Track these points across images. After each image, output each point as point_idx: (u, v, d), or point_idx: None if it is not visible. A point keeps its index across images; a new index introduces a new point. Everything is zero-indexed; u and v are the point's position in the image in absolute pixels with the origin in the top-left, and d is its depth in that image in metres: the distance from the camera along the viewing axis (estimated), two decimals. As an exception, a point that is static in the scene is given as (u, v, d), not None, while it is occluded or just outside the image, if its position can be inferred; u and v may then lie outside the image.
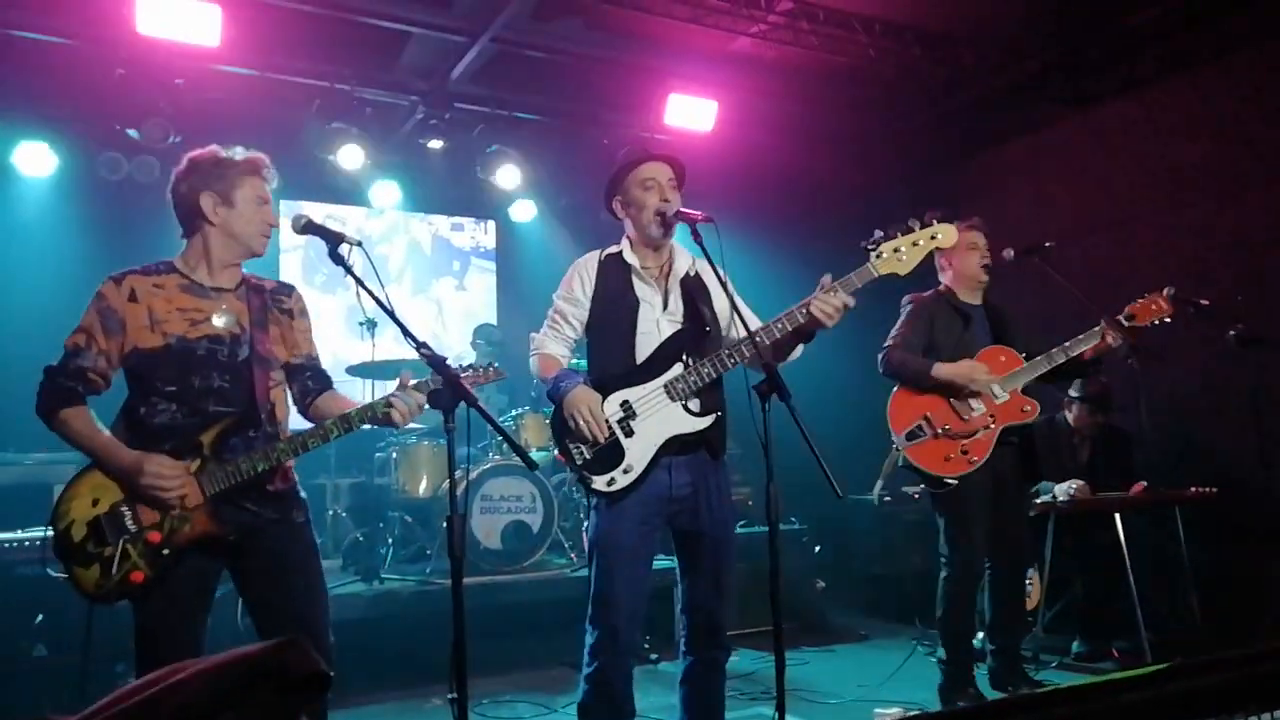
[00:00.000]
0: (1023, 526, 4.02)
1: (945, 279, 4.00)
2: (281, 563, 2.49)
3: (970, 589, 3.83)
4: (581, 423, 2.71)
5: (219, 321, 2.50)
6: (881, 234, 2.63)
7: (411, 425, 2.74)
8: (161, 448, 2.39)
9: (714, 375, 2.76)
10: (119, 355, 2.45)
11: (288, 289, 2.75)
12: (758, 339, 2.61)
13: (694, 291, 2.94)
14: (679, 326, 2.87)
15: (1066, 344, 3.71)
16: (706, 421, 2.79)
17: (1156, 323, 3.64)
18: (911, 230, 2.64)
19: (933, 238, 2.61)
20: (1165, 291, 4.01)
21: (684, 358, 2.80)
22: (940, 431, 3.71)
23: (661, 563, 3.05)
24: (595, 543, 2.82)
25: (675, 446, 2.78)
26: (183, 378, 2.44)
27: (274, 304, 2.66)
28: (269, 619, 2.48)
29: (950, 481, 3.73)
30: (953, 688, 3.83)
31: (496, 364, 2.79)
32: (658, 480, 2.78)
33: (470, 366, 2.70)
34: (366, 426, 2.55)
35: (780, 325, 2.70)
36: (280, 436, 2.55)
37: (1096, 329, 3.67)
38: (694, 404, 2.79)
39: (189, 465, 2.40)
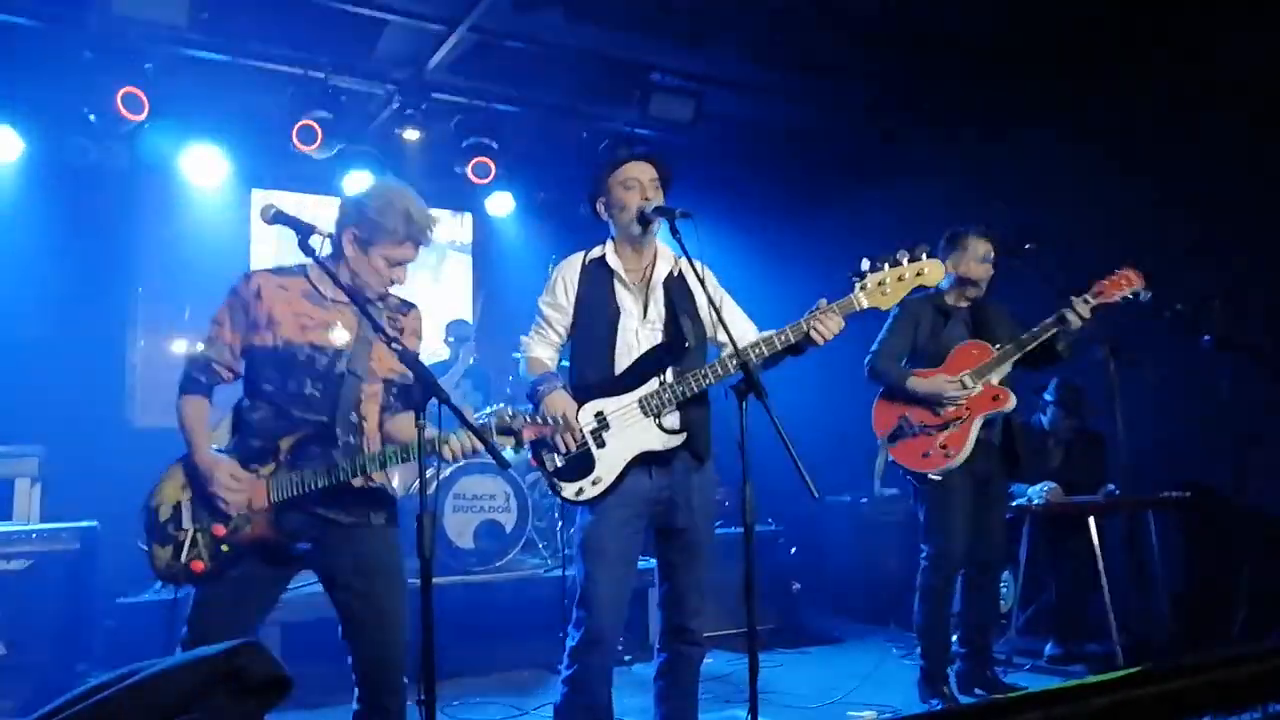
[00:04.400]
0: (1001, 528, 4.04)
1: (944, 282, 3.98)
2: (352, 566, 2.51)
3: (946, 584, 3.85)
4: (558, 425, 2.67)
5: (337, 336, 2.56)
6: (869, 264, 2.63)
7: None
8: (251, 444, 2.50)
9: (689, 394, 2.75)
10: (241, 349, 2.55)
11: (407, 307, 2.75)
12: (747, 356, 2.58)
13: (676, 298, 2.92)
14: (658, 337, 2.86)
15: (1028, 336, 3.75)
16: (677, 440, 2.79)
17: (1129, 296, 3.66)
18: (899, 264, 2.64)
19: (919, 274, 2.62)
20: (1142, 296, 4.03)
21: (660, 374, 2.80)
22: (919, 428, 3.77)
23: (640, 564, 3.03)
24: (581, 546, 2.80)
25: (647, 460, 2.77)
26: (280, 380, 2.52)
27: (389, 319, 2.67)
28: (346, 623, 2.53)
29: (934, 477, 3.76)
30: (927, 684, 3.85)
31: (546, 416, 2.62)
32: (639, 483, 2.77)
33: (529, 417, 2.55)
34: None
35: (770, 344, 2.71)
36: (365, 449, 2.57)
37: (1055, 315, 3.71)
38: (670, 420, 2.78)
39: (262, 470, 2.47)
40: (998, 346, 3.80)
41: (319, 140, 5.56)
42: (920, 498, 3.88)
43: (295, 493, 2.46)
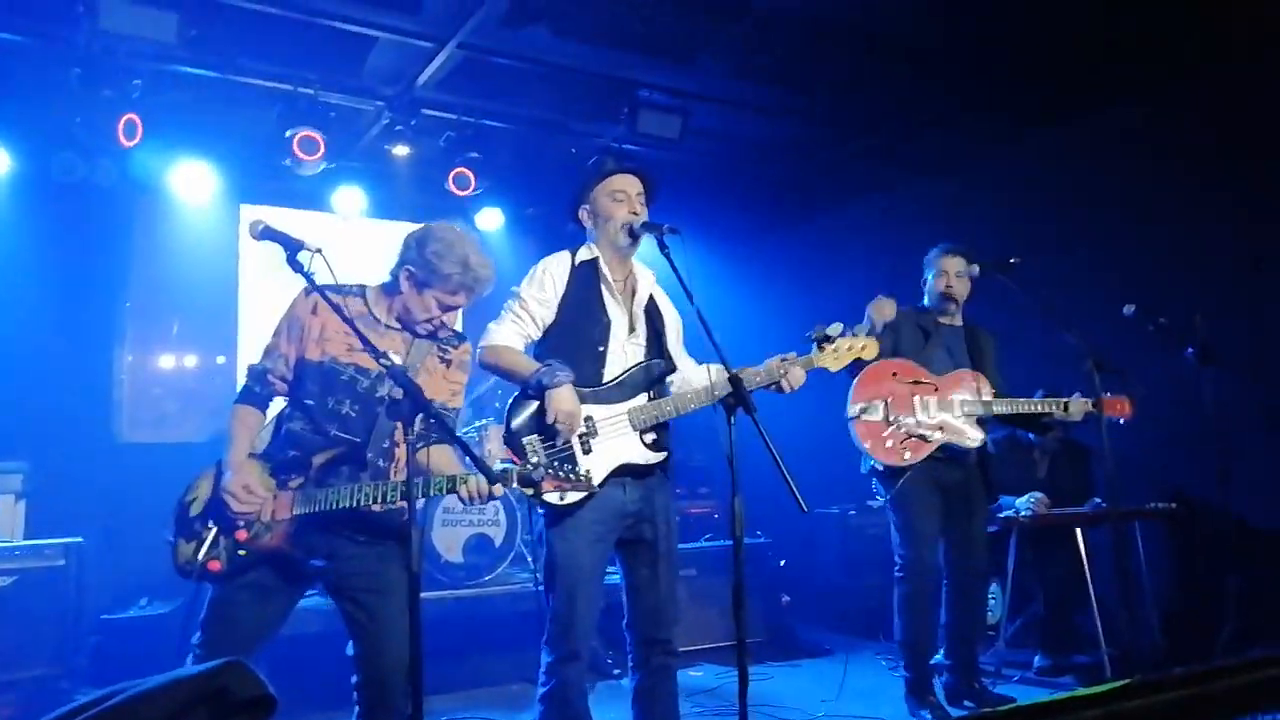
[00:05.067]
0: (983, 540, 4.08)
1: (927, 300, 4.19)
2: (362, 583, 2.54)
3: (922, 592, 3.90)
4: (561, 421, 2.69)
5: (397, 360, 2.55)
6: (823, 330, 2.93)
7: None
8: (287, 453, 2.55)
9: (676, 414, 2.83)
10: (294, 361, 2.60)
11: (459, 339, 2.77)
12: (714, 391, 2.76)
13: (655, 320, 3.00)
14: (641, 353, 2.92)
15: (1031, 401, 3.94)
16: (659, 457, 2.85)
17: (1117, 421, 3.89)
18: (847, 337, 2.97)
19: (863, 347, 2.99)
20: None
21: (649, 390, 2.87)
22: (892, 418, 3.83)
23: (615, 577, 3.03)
24: (554, 564, 2.80)
25: (626, 472, 2.80)
26: (321, 396, 2.56)
27: (439, 350, 2.70)
28: (356, 644, 2.55)
29: (876, 465, 3.86)
30: (913, 695, 3.87)
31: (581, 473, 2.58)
32: (612, 497, 2.79)
33: (555, 470, 2.50)
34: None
35: (749, 381, 2.80)
36: (394, 474, 2.59)
37: (1060, 400, 3.90)
38: (649, 437, 2.84)
39: (291, 482, 2.51)
40: (994, 394, 3.95)
41: (320, 151, 5.55)
42: (891, 508, 3.95)
43: (318, 509, 2.48)
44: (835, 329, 2.90)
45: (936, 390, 3.89)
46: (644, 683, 2.87)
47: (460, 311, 2.72)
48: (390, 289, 2.64)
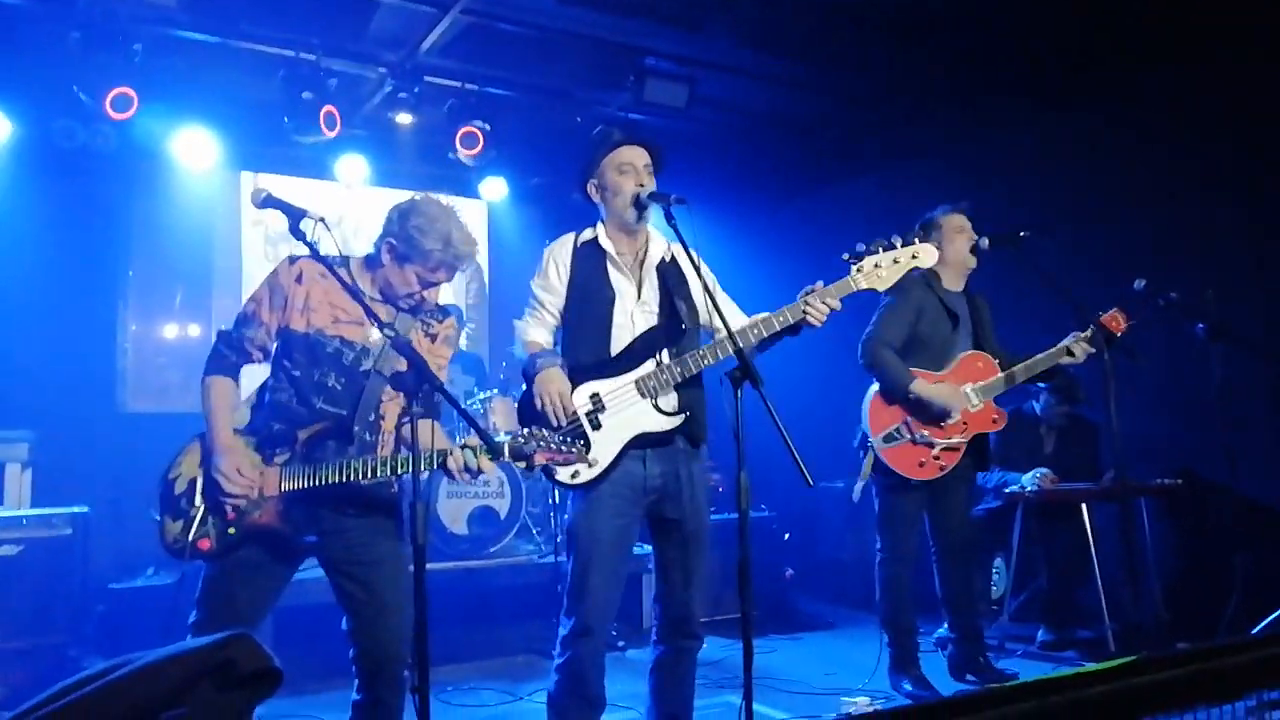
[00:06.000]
0: (965, 516, 4.08)
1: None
2: (355, 557, 2.53)
3: (901, 575, 3.89)
4: (547, 403, 2.68)
5: (368, 334, 2.55)
6: (863, 247, 2.67)
7: None
8: (272, 426, 2.51)
9: (686, 375, 2.76)
10: (276, 330, 2.56)
11: (444, 313, 2.75)
12: (740, 339, 2.60)
13: (670, 281, 2.91)
14: (653, 318, 2.85)
15: (1037, 359, 3.80)
16: (676, 421, 2.78)
17: (1118, 335, 3.74)
18: (893, 247, 2.68)
19: (913, 257, 2.66)
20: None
21: (656, 355, 2.79)
22: (918, 437, 3.75)
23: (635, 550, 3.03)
24: (573, 534, 2.79)
25: (644, 442, 2.75)
26: (307, 367, 2.53)
27: (423, 324, 2.68)
28: (347, 614, 2.55)
29: (916, 482, 3.78)
30: (897, 669, 3.89)
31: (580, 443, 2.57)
32: (632, 471, 2.76)
33: (547, 442, 2.49)
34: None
35: (769, 324, 2.72)
36: (380, 449, 2.58)
37: (1061, 345, 3.77)
38: (666, 402, 2.78)
39: (277, 457, 2.48)
40: (998, 363, 3.85)
41: (339, 127, 5.51)
42: (880, 491, 3.91)
43: (306, 485, 2.47)
44: (876, 245, 2.63)
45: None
46: (665, 657, 2.87)
47: (473, 297, 2.70)
48: (373, 262, 2.61)
